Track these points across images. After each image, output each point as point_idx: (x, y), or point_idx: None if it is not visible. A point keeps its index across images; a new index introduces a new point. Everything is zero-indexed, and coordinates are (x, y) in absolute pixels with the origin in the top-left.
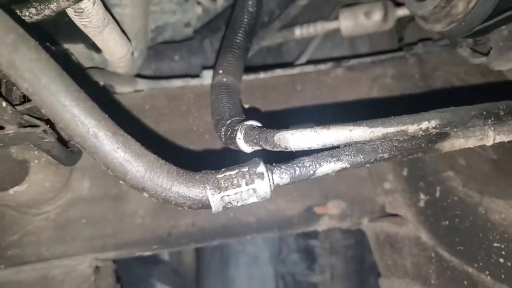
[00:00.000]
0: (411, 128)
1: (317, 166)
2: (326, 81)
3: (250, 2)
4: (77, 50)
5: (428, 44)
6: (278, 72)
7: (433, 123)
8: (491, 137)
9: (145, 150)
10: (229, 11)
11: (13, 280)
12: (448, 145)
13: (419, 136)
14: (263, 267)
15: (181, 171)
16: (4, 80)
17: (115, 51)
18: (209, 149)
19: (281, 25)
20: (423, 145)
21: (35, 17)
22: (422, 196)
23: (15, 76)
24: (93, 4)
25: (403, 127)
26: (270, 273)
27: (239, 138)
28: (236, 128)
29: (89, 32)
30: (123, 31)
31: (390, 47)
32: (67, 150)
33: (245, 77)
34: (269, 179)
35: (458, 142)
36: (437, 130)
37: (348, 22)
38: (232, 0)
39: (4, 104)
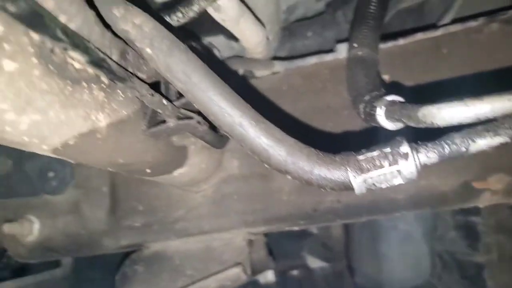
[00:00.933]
0: None
1: (470, 142)
2: (478, 39)
3: None
4: (218, 42)
5: None
6: (419, 36)
7: None
8: None
9: (285, 135)
10: None
11: (182, 249)
12: None
13: None
14: (417, 245)
15: (321, 154)
16: (163, 81)
17: (251, 38)
18: (348, 126)
19: None
20: None
21: (182, 20)
22: None
23: (171, 78)
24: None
25: None
26: (425, 250)
27: (379, 115)
28: (375, 104)
29: (227, 25)
30: (257, 18)
31: None
32: (217, 135)
33: (383, 46)
34: (415, 159)
35: None
36: None
37: None
38: None
39: (165, 102)
